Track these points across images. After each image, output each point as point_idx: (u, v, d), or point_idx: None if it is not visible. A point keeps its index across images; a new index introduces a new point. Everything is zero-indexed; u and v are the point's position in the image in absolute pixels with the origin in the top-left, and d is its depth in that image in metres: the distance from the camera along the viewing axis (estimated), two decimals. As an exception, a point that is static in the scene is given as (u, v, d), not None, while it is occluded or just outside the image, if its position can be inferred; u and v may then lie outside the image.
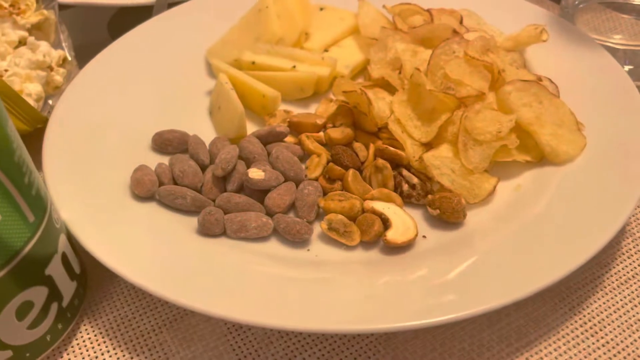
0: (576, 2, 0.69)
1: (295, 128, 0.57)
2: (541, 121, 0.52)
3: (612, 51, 0.64)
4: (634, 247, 0.48)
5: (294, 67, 0.61)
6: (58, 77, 0.67)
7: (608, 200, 0.46)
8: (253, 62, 0.62)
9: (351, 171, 0.50)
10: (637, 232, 0.50)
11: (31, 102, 0.61)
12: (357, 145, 0.53)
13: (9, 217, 0.34)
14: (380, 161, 0.51)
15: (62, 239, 0.41)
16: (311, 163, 0.53)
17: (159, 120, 0.58)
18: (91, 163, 0.52)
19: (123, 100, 0.60)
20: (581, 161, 0.51)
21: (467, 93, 0.53)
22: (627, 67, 0.64)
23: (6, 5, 0.73)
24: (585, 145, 0.51)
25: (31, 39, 0.68)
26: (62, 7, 0.75)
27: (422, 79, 0.53)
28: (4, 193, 0.34)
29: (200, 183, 0.51)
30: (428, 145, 0.53)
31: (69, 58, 0.71)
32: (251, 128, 0.59)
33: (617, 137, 0.52)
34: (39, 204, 0.38)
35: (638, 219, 0.51)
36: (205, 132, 0.58)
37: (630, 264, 0.47)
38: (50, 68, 0.67)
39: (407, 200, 0.50)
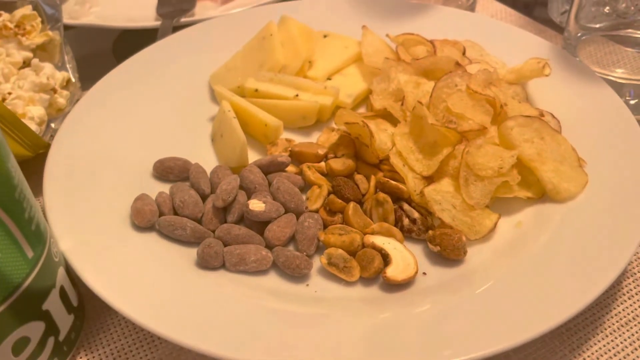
0: (579, 34, 0.70)
1: (297, 158, 0.57)
2: (542, 157, 0.52)
3: (615, 85, 0.65)
4: (634, 288, 0.48)
5: (297, 95, 0.62)
6: (61, 99, 0.68)
7: (610, 240, 0.46)
8: (256, 90, 0.62)
9: (352, 204, 0.50)
10: (639, 272, 0.49)
11: (34, 125, 0.61)
12: (359, 177, 0.53)
13: (7, 254, 0.34)
14: (381, 195, 0.51)
15: (61, 273, 0.41)
16: (312, 194, 0.53)
17: (161, 145, 0.58)
18: (92, 190, 0.52)
19: (126, 125, 0.60)
20: (583, 199, 0.51)
21: (469, 127, 0.53)
22: (632, 102, 0.64)
23: (11, 25, 0.73)
24: (586, 183, 0.51)
25: (35, 60, 0.69)
26: (67, 27, 0.76)
27: (424, 112, 0.53)
28: (3, 230, 0.34)
29: (201, 213, 0.51)
30: (429, 179, 0.53)
31: (73, 80, 0.72)
32: (253, 155, 0.59)
33: (619, 174, 0.51)
34: (39, 238, 0.38)
35: (639, 259, 0.50)
36: (208, 159, 0.58)
37: (631, 305, 0.47)
38: (54, 90, 0.68)
39: (408, 235, 0.50)
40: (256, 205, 0.49)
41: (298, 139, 0.61)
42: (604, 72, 0.65)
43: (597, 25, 0.70)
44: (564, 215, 0.50)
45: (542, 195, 0.52)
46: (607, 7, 0.70)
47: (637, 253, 0.51)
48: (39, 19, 0.75)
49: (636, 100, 0.64)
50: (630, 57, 0.68)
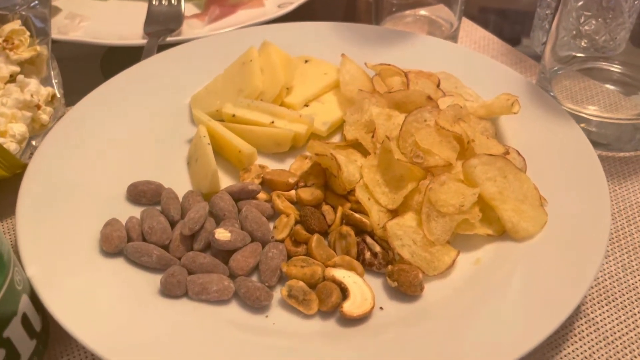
0: (555, 68, 0.71)
1: (268, 185, 0.58)
2: (504, 196, 0.53)
3: (586, 122, 0.66)
4: (586, 329, 0.49)
5: (273, 122, 0.63)
6: (44, 116, 0.69)
7: (563, 280, 0.48)
8: (233, 115, 0.64)
9: (315, 237, 0.52)
10: (591, 312, 0.51)
11: (14, 143, 0.62)
12: (326, 209, 0.55)
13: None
14: (345, 228, 0.52)
15: (24, 300, 0.42)
16: (280, 223, 0.54)
17: (139, 166, 0.60)
18: (65, 213, 0.53)
19: (104, 146, 0.61)
20: (541, 238, 0.52)
21: (434, 163, 0.55)
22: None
23: (0, 40, 0.74)
24: (545, 223, 0.52)
25: (20, 77, 0.70)
26: (55, 41, 0.77)
27: (391, 147, 0.55)
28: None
29: (169, 240, 0.52)
30: (394, 212, 0.54)
31: (58, 95, 0.73)
32: (226, 179, 0.60)
33: (578, 215, 0.53)
34: (1, 270, 0.39)
35: (593, 300, 0.52)
36: (183, 181, 0.60)
37: (581, 346, 0.48)
38: (38, 107, 0.69)
39: (369, 268, 0.51)
40: (222, 234, 0.51)
41: (272, 164, 0.62)
42: (577, 109, 0.67)
43: (574, 56, 0.71)
44: (521, 254, 0.51)
45: (503, 232, 0.53)
46: (585, 41, 0.71)
47: (590, 294, 0.52)
48: (27, 34, 0.76)
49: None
50: (604, 94, 0.69)
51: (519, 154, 0.58)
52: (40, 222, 0.51)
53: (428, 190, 0.52)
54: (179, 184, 0.59)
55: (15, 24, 0.77)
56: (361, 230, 0.53)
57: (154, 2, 0.82)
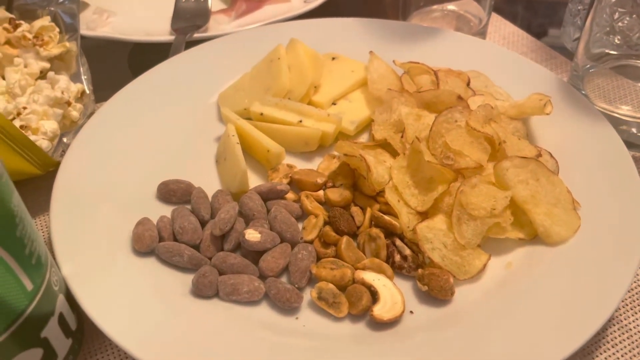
0: (587, 66, 0.70)
1: (296, 185, 0.58)
2: (536, 200, 0.52)
3: (620, 122, 0.65)
4: (619, 336, 0.49)
5: (301, 121, 0.63)
6: (75, 112, 0.70)
7: (597, 287, 0.47)
8: (261, 114, 0.64)
9: (345, 239, 0.52)
10: (625, 319, 0.50)
11: (46, 140, 0.63)
12: (354, 210, 0.55)
13: (7, 289, 0.36)
14: (374, 230, 0.52)
15: (60, 300, 0.43)
16: (308, 224, 0.54)
17: (169, 164, 0.60)
18: (98, 213, 0.54)
19: (135, 144, 0.62)
20: (574, 243, 0.51)
21: (465, 165, 0.54)
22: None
23: (30, 36, 0.75)
24: (578, 227, 0.52)
25: (51, 74, 0.71)
26: (83, 37, 0.78)
27: (421, 149, 0.54)
28: (3, 267, 0.36)
29: (199, 240, 0.52)
30: (424, 215, 0.54)
31: (87, 92, 0.74)
32: (255, 178, 0.61)
33: (612, 219, 0.52)
34: (38, 272, 0.40)
35: (626, 306, 0.51)
36: (212, 180, 0.60)
37: (614, 354, 0.48)
38: (68, 103, 0.70)
39: (399, 271, 0.51)
40: (252, 235, 0.51)
41: (300, 164, 0.62)
42: (609, 109, 0.65)
43: (607, 54, 0.70)
44: (553, 258, 0.51)
45: (534, 236, 0.53)
46: (618, 37, 0.70)
47: (624, 300, 0.51)
48: (56, 30, 0.77)
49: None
50: (637, 93, 0.68)
51: (551, 155, 0.57)
52: (74, 220, 0.52)
53: (459, 193, 0.52)
54: (208, 182, 0.59)
55: (45, 20, 0.77)
56: (390, 233, 0.53)
57: (181, -1, 0.83)
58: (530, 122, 0.63)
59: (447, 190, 0.53)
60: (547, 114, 0.59)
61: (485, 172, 0.55)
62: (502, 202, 0.51)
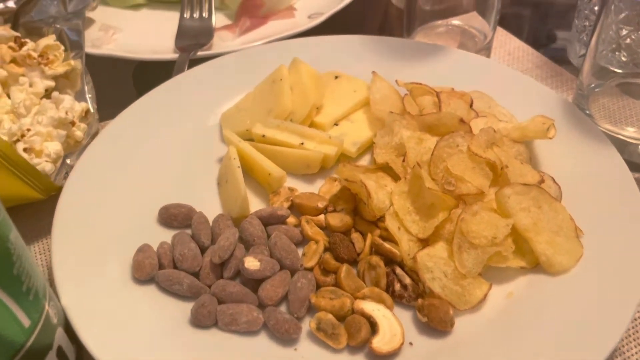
0: (592, 85, 0.69)
1: (297, 208, 0.58)
2: (538, 228, 0.52)
3: (625, 144, 0.64)
4: (621, 368, 0.48)
5: (302, 144, 0.63)
6: (79, 132, 0.70)
7: (600, 317, 0.46)
8: (263, 135, 0.64)
9: (344, 267, 0.51)
10: (627, 351, 0.49)
11: (49, 163, 0.63)
12: (355, 236, 0.54)
13: (3, 329, 0.36)
14: (374, 258, 0.52)
15: (59, 333, 0.43)
16: (308, 250, 0.54)
17: (171, 186, 0.61)
18: (99, 239, 0.54)
19: (137, 167, 0.62)
20: (576, 272, 0.51)
21: (467, 191, 0.54)
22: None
23: (35, 55, 0.76)
24: (581, 256, 0.51)
25: (55, 93, 0.71)
26: (88, 55, 0.78)
27: (421, 174, 0.54)
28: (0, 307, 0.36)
29: (199, 267, 0.52)
30: (425, 241, 0.53)
31: (92, 110, 0.74)
32: (256, 200, 0.60)
33: (616, 246, 0.51)
34: (36, 307, 0.40)
35: (629, 337, 0.50)
36: (213, 202, 0.60)
37: (616, 386, 0.47)
38: (72, 123, 0.70)
39: (399, 300, 0.51)
40: (251, 263, 0.51)
41: (301, 186, 0.62)
42: (614, 130, 0.65)
43: (612, 72, 0.69)
44: (555, 287, 0.50)
45: (536, 264, 0.52)
46: (624, 54, 0.69)
47: (627, 331, 0.51)
48: (61, 49, 0.77)
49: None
50: (644, 113, 0.67)
51: (554, 181, 0.57)
52: (75, 248, 0.52)
53: (460, 220, 0.51)
54: (210, 204, 0.60)
55: (50, 39, 0.78)
56: (391, 260, 0.52)
57: (185, 16, 0.83)
58: (534, 144, 0.62)
59: (449, 217, 0.53)
60: (550, 138, 0.58)
61: (487, 198, 0.54)
62: (504, 231, 0.51)
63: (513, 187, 0.53)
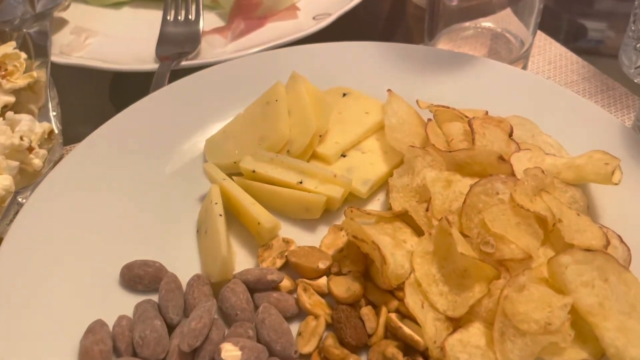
0: (658, 107, 0.56)
1: (293, 268, 0.47)
2: (605, 309, 0.40)
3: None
4: None
5: (301, 182, 0.51)
6: (37, 160, 0.59)
7: None
8: (253, 171, 0.52)
9: (352, 358, 0.40)
10: None
11: (-5, 203, 0.52)
12: (365, 312, 0.43)
13: None
14: (390, 349, 0.40)
15: None
16: (306, 329, 0.43)
17: (141, 233, 0.50)
18: (46, 306, 0.43)
19: (100, 209, 0.51)
20: (656, 369, 0.38)
21: (510, 255, 0.42)
22: None
23: (-9, 66, 0.64)
24: (663, 349, 0.39)
25: (10, 114, 0.60)
26: (55, 64, 0.67)
27: (451, 232, 0.42)
28: None
29: (164, 354, 0.41)
30: (456, 321, 0.42)
31: (56, 131, 0.63)
32: (243, 253, 0.49)
33: None
34: None
35: None
36: (191, 254, 0.49)
37: None
38: (30, 149, 0.59)
39: (422, 404, 0.39)
40: (230, 352, 0.39)
41: (299, 234, 0.50)
42: (689, 165, 0.52)
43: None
44: (629, 391, 0.38)
45: (602, 356, 0.40)
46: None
47: None
48: (22, 58, 0.66)
49: None
50: None
51: (621, 240, 0.44)
52: (11, 324, 0.41)
53: (503, 298, 0.39)
54: (186, 258, 0.49)
55: (9, 47, 0.67)
56: (411, 348, 0.41)
57: (168, 18, 0.71)
58: (587, 185, 0.50)
59: (488, 292, 0.41)
60: (615, 184, 0.46)
61: (535, 263, 0.42)
62: (560, 315, 0.39)
63: (572, 254, 0.40)
